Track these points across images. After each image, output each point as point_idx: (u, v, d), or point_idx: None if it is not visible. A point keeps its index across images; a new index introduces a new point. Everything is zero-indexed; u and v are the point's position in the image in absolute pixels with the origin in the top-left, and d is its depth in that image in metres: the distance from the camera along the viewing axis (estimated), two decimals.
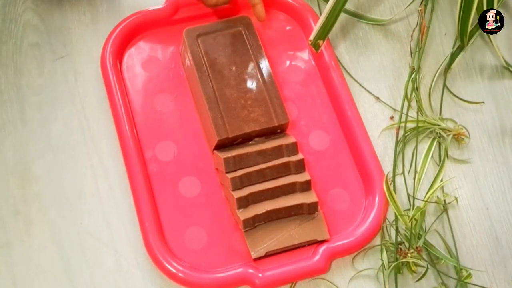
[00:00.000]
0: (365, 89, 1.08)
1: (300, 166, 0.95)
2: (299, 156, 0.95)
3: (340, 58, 1.10)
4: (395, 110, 1.06)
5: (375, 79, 1.09)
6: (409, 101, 1.04)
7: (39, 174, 0.98)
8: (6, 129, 1.00)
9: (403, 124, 1.03)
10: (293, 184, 0.94)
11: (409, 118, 1.04)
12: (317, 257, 0.92)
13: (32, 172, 0.98)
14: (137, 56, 1.06)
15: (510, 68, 1.11)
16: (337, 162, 1.02)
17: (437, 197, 0.99)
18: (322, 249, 0.93)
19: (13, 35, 1.07)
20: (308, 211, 0.94)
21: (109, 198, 0.97)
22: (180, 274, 0.90)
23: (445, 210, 0.99)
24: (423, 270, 0.94)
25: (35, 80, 1.04)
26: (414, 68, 1.05)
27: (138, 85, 1.04)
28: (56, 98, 1.03)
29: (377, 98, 1.07)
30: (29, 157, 0.98)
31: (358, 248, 0.95)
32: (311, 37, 1.04)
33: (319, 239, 0.94)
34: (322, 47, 1.05)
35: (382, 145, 1.04)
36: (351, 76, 1.09)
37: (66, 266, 0.93)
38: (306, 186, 0.94)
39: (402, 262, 0.93)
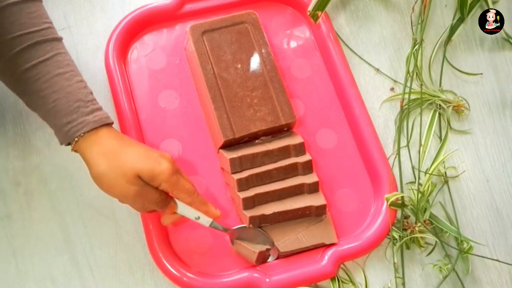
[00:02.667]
0: (365, 61, 1.04)
1: (307, 167, 0.90)
2: (307, 157, 0.90)
3: (340, 30, 1.06)
4: (395, 81, 1.02)
5: (375, 51, 1.05)
6: (412, 75, 1.00)
7: (39, 146, 0.94)
8: (6, 101, 0.96)
9: (405, 96, 0.99)
10: (301, 185, 0.89)
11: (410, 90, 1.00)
12: (324, 261, 0.88)
13: (32, 144, 0.94)
14: (141, 51, 1.01)
15: (510, 40, 1.07)
16: (345, 161, 0.97)
17: (438, 169, 0.95)
18: (329, 252, 0.88)
19: None
20: (316, 213, 0.89)
21: None
22: (185, 279, 0.85)
23: (446, 182, 0.96)
24: (429, 244, 0.92)
25: None
26: (416, 41, 1.01)
27: (143, 81, 0.99)
28: None
29: (377, 69, 1.03)
30: (30, 129, 0.95)
31: (367, 251, 0.91)
32: (310, 7, 0.99)
33: (327, 242, 0.89)
34: (320, 19, 1.00)
35: (383, 117, 1.00)
36: (350, 49, 1.05)
37: (66, 238, 0.89)
38: (314, 188, 0.90)
39: (410, 237, 0.90)
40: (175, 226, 0.90)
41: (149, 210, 0.81)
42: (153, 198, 0.79)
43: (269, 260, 0.88)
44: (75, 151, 0.79)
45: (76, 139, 0.77)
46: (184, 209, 0.83)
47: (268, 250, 0.88)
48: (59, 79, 0.78)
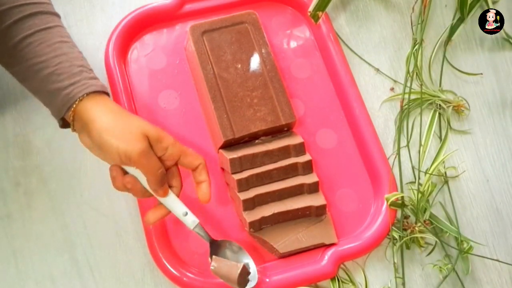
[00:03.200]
0: (365, 61, 1.03)
1: (308, 167, 0.90)
2: (307, 157, 0.90)
3: (340, 30, 1.05)
4: (395, 81, 1.02)
5: (375, 51, 1.05)
6: (412, 75, 0.99)
7: (39, 146, 0.93)
8: (6, 100, 0.95)
9: (405, 96, 0.98)
10: (301, 185, 0.89)
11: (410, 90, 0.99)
12: (324, 261, 0.87)
13: (32, 144, 0.93)
14: (141, 51, 1.00)
15: (510, 39, 1.06)
16: (345, 161, 0.96)
17: (438, 169, 0.94)
18: (329, 252, 0.88)
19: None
20: (316, 213, 0.89)
21: None
22: (185, 279, 0.85)
23: (446, 182, 0.96)
24: (429, 244, 0.91)
25: None
26: (417, 41, 1.00)
27: (143, 81, 0.98)
28: None
29: (377, 69, 1.03)
30: (30, 129, 0.94)
31: (367, 251, 0.90)
32: (311, 8, 0.99)
33: (327, 242, 0.89)
34: (321, 20, 1.00)
35: (383, 117, 0.99)
36: (350, 49, 1.04)
37: (66, 238, 0.89)
38: (314, 188, 0.89)
39: (410, 237, 0.89)
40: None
41: (141, 193, 0.78)
42: (155, 166, 0.76)
43: (249, 278, 0.84)
44: (72, 118, 0.76)
45: (79, 98, 0.75)
46: (173, 202, 0.80)
47: (247, 270, 0.84)
48: (62, 45, 0.78)
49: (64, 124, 0.80)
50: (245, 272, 0.83)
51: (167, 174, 0.80)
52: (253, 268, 0.84)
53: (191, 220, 0.81)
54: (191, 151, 0.81)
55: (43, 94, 0.78)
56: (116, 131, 0.74)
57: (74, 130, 0.78)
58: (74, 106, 0.75)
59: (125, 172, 0.78)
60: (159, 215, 0.81)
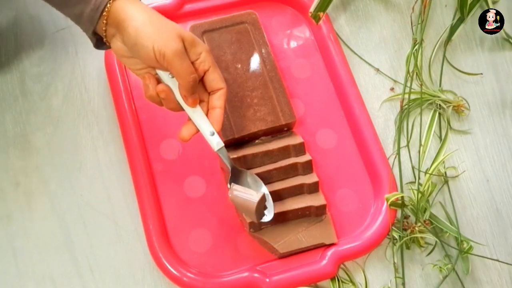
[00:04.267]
0: (365, 61, 1.03)
1: (308, 167, 0.90)
2: (307, 157, 0.90)
3: (340, 30, 1.05)
4: (395, 81, 1.01)
5: (375, 51, 1.04)
6: (412, 75, 0.99)
7: (39, 146, 0.93)
8: (6, 101, 0.95)
9: (405, 96, 0.98)
10: (301, 185, 0.89)
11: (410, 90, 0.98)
12: (324, 261, 0.87)
13: (32, 144, 0.93)
14: None
15: (510, 39, 1.06)
16: (345, 161, 0.96)
17: (438, 169, 0.94)
18: (329, 252, 0.87)
19: (13, 7, 1.01)
20: (316, 213, 0.89)
21: (110, 170, 0.92)
22: (185, 279, 0.84)
23: (446, 182, 0.95)
24: (429, 244, 0.91)
25: (36, 52, 0.98)
26: (417, 41, 1.00)
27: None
28: (56, 70, 0.97)
29: (377, 69, 1.02)
30: (30, 129, 0.94)
31: (367, 251, 0.90)
32: (312, 8, 0.99)
33: (327, 242, 0.88)
34: (321, 21, 0.99)
35: (383, 117, 0.99)
36: (351, 49, 1.04)
37: (66, 238, 0.88)
38: (314, 188, 0.89)
39: (410, 237, 0.89)
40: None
41: (174, 104, 0.78)
42: (188, 69, 0.75)
43: (265, 212, 0.83)
44: (106, 22, 0.74)
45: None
46: (201, 118, 0.79)
47: (264, 202, 0.83)
48: None
49: (97, 42, 0.79)
50: (263, 202, 0.81)
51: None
52: (270, 203, 0.84)
53: (216, 141, 0.80)
54: (220, 72, 0.79)
55: (72, 3, 0.75)
56: (153, 29, 0.73)
57: (107, 40, 0.77)
58: (108, 6, 0.74)
59: (159, 82, 0.78)
60: (191, 131, 0.80)
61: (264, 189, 0.85)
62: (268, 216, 0.83)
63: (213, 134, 0.79)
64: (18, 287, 0.86)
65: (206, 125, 0.79)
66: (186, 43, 0.75)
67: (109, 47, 0.79)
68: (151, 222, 0.87)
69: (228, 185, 0.82)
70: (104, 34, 0.76)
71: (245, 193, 0.80)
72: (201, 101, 0.79)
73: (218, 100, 0.79)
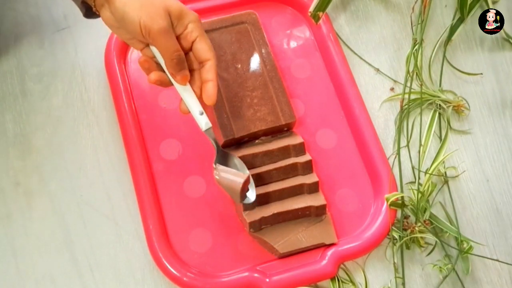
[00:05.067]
0: (365, 61, 1.03)
1: (308, 167, 0.90)
2: (307, 157, 0.90)
3: (340, 30, 1.05)
4: (395, 81, 1.01)
5: (375, 51, 1.04)
6: (412, 75, 0.99)
7: (39, 146, 0.93)
8: (6, 101, 0.95)
9: (405, 96, 0.97)
10: (301, 185, 0.88)
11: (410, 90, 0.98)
12: (324, 261, 0.86)
13: (32, 144, 0.93)
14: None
15: (510, 40, 1.06)
16: (345, 161, 0.95)
17: (438, 169, 0.94)
18: (330, 252, 0.87)
19: (13, 7, 1.01)
20: (316, 213, 0.88)
21: (110, 170, 0.92)
22: (185, 279, 0.84)
23: (446, 182, 0.95)
24: (429, 244, 0.91)
25: (36, 52, 0.98)
26: (417, 41, 1.00)
27: (143, 81, 0.97)
28: (56, 70, 0.97)
29: (377, 69, 1.02)
30: (29, 129, 0.93)
31: (367, 251, 0.89)
32: (311, 8, 0.99)
33: (327, 242, 0.88)
34: (321, 21, 0.99)
35: (383, 117, 0.99)
36: (350, 49, 1.03)
37: (66, 238, 0.88)
38: (314, 188, 0.89)
39: (410, 237, 0.89)
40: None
41: (157, 78, 0.78)
42: (172, 47, 0.75)
43: (248, 195, 0.84)
44: None
45: None
46: (191, 98, 0.79)
47: (249, 183, 0.84)
48: None
49: (87, 12, 0.79)
50: (247, 183, 0.82)
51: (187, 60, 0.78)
52: (252, 185, 0.84)
53: (204, 122, 0.80)
54: (208, 41, 0.78)
55: None
56: (140, 3, 0.73)
57: (96, 9, 0.77)
58: None
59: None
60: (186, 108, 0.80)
61: (247, 172, 0.85)
62: (250, 198, 0.83)
63: (202, 113, 0.79)
64: (18, 287, 0.85)
65: (195, 104, 0.79)
66: (172, 17, 0.75)
67: (99, 16, 0.78)
68: (151, 222, 0.86)
69: (214, 165, 0.82)
70: (93, 3, 0.76)
71: (230, 173, 0.81)
72: (192, 70, 0.79)
73: (208, 73, 0.79)
